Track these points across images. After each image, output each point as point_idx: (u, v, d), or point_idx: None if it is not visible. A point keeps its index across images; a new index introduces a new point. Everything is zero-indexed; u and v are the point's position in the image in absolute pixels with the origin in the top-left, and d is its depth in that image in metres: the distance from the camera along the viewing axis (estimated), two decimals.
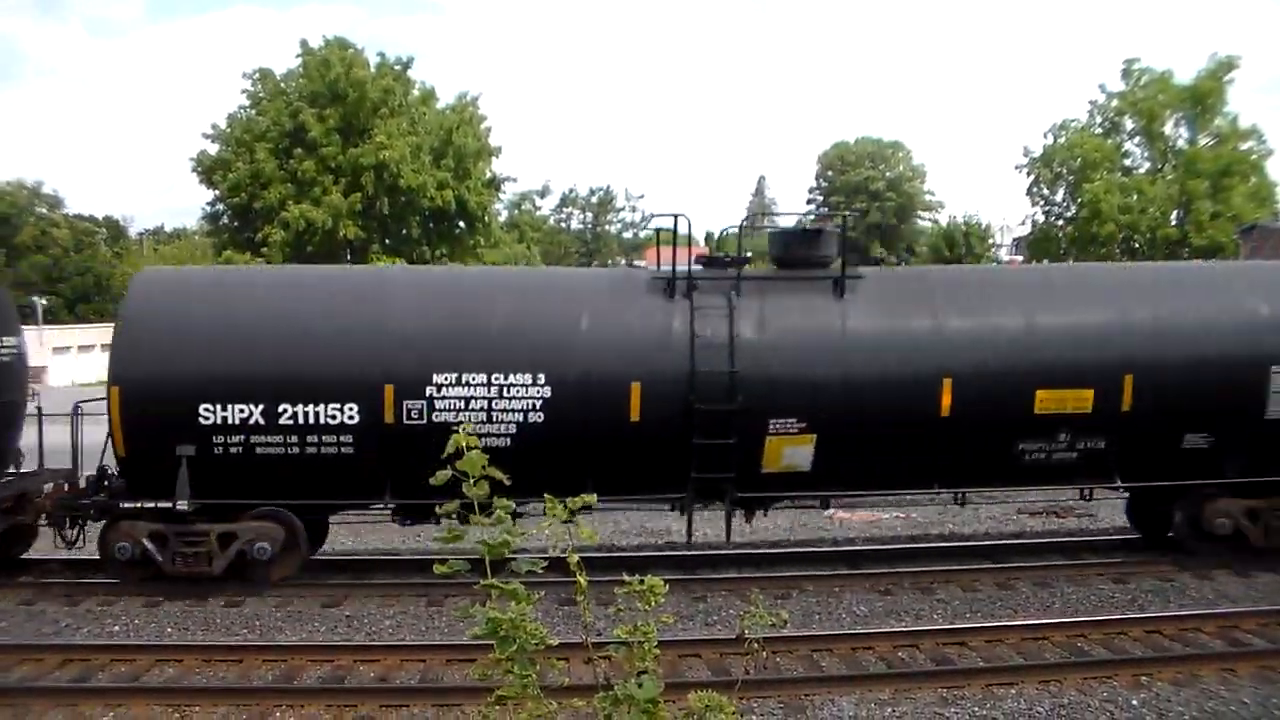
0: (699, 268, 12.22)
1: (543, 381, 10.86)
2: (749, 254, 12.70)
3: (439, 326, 11.19)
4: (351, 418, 10.80)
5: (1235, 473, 11.79)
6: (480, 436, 11.61)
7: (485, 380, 10.83)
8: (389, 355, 10.91)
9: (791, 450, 11.15)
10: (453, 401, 10.81)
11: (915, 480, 11.93)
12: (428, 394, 10.78)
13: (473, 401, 10.82)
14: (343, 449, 10.87)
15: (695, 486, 11.19)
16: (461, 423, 11.90)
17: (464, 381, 10.82)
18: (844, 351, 11.28)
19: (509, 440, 10.83)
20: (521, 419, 10.86)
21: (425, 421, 10.76)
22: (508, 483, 3.18)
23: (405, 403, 10.77)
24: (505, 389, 10.84)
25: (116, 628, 10.43)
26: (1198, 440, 11.71)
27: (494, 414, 10.83)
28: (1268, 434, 11.68)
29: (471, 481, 3.13)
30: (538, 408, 10.85)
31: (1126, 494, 13.26)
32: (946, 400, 11.20)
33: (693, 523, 11.78)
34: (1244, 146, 47.49)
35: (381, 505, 11.51)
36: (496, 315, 11.33)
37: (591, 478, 10.67)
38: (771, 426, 11.07)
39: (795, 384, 11.11)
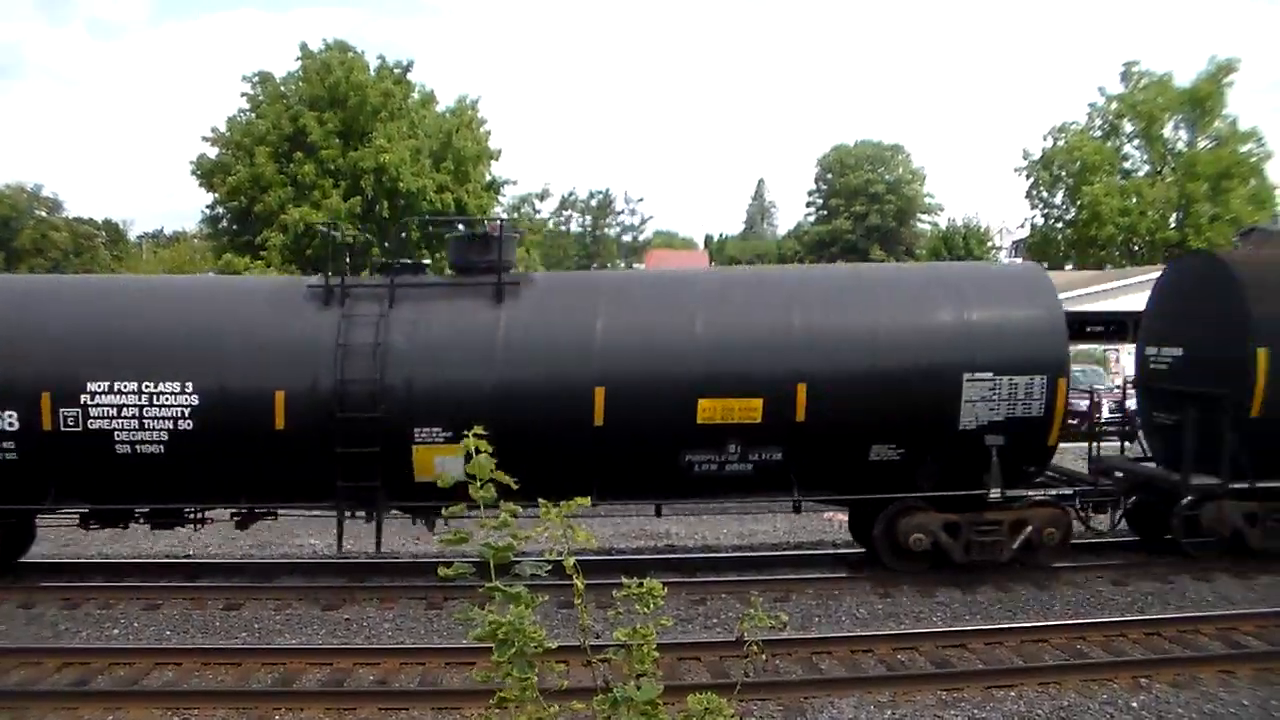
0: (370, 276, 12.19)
1: (191, 390, 10.92)
2: (426, 261, 12.72)
3: (92, 335, 11.26)
4: (12, 425, 10.91)
5: (929, 486, 11.38)
6: (133, 444, 11.61)
7: (136, 389, 10.89)
8: (45, 364, 11.02)
9: (442, 460, 10.88)
10: (106, 409, 10.90)
11: (576, 491, 11.47)
12: (82, 402, 10.88)
13: (125, 409, 10.90)
14: (6, 455, 11.03)
15: (344, 495, 11.17)
16: (115, 430, 11.95)
17: (116, 390, 10.90)
18: (494, 359, 11.06)
19: (161, 448, 10.95)
20: (172, 427, 10.92)
21: (81, 429, 10.89)
22: (515, 486, 3.19)
23: (61, 410, 10.87)
24: (155, 397, 10.91)
25: (115, 631, 10.43)
26: (887, 452, 11.23)
27: (145, 421, 10.92)
28: (962, 445, 11.22)
29: (478, 485, 3.14)
30: (187, 416, 10.92)
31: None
32: (600, 409, 10.91)
33: (343, 532, 11.68)
34: (1243, 149, 47.57)
35: (46, 509, 11.66)
36: (147, 324, 11.41)
37: (245, 485, 11.24)
38: (417, 435, 10.94)
39: (440, 392, 10.97)
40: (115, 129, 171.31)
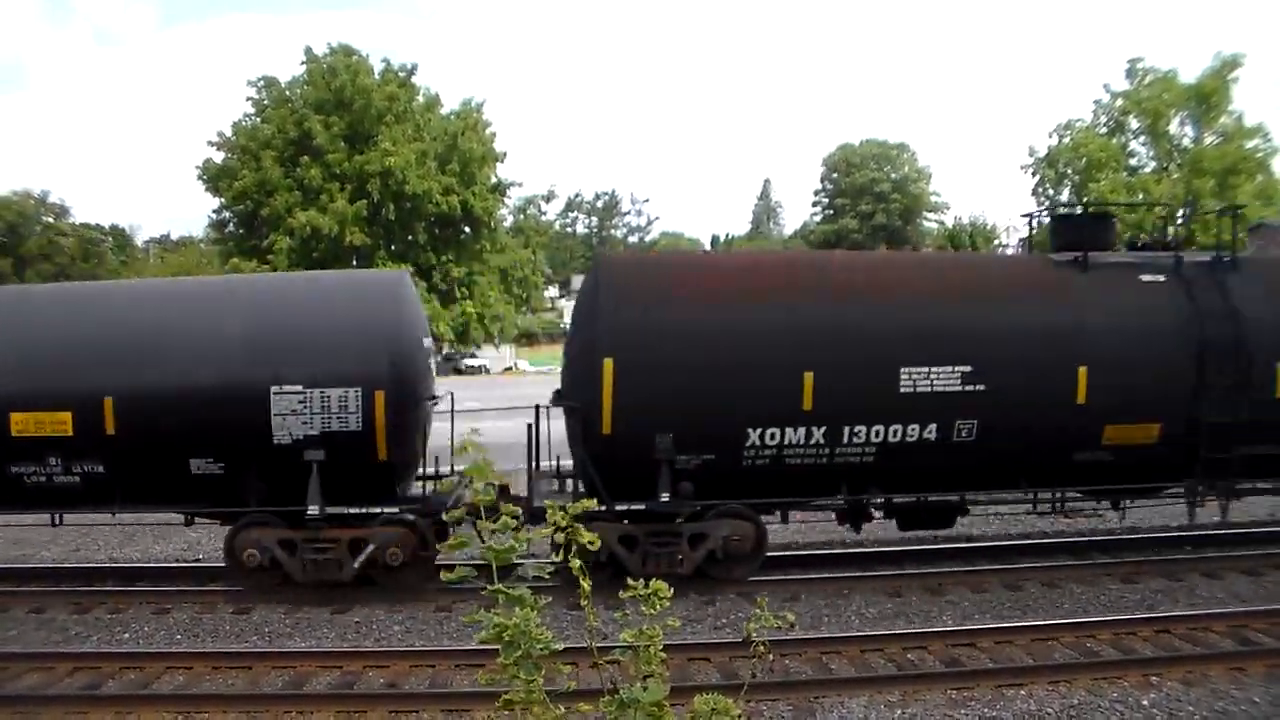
0: None
1: None
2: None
3: None
4: None
5: (255, 501, 11.17)
6: None
7: None
8: None
9: None
10: None
11: None
12: None
13: None
14: None
15: None
16: None
17: None
18: None
19: None
20: None
21: None
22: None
23: None
24: None
25: (126, 635, 10.47)
26: (208, 466, 11.07)
27: None
28: (282, 460, 10.97)
29: (478, 488, 3.13)
30: None
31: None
32: None
33: None
34: (1249, 145, 47.39)
35: None
36: None
37: None
38: None
39: None
40: (120, 135, 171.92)
